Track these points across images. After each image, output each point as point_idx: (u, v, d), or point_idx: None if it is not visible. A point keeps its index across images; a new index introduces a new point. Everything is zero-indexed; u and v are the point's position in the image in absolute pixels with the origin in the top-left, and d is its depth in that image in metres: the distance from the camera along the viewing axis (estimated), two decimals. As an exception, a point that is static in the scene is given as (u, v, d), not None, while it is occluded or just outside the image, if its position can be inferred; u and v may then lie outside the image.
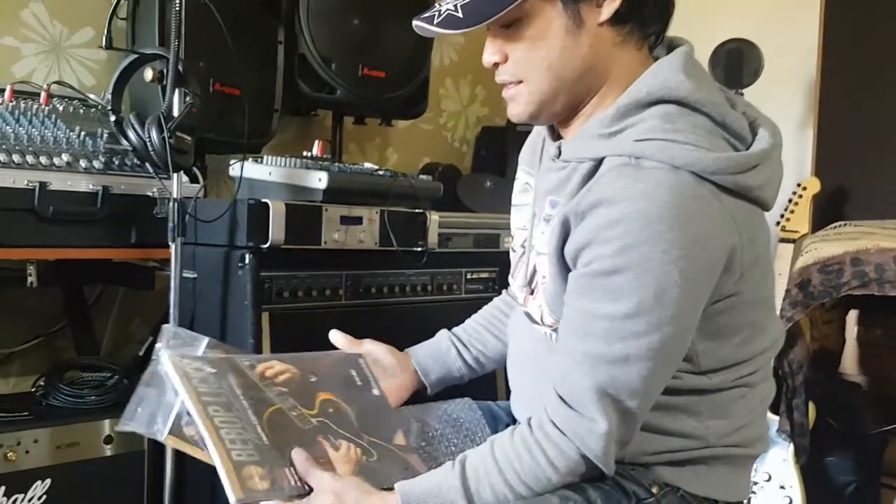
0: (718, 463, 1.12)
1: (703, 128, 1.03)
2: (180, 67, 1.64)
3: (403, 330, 1.43)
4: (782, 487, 2.15)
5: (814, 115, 2.73)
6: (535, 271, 1.17)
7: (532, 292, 1.18)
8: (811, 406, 2.17)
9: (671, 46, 1.13)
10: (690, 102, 1.04)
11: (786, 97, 2.80)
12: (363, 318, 1.93)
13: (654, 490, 1.08)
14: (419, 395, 1.37)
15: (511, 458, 1.02)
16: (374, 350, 1.34)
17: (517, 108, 1.12)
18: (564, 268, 1.05)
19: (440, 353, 1.38)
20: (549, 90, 1.09)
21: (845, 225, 2.27)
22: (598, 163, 1.04)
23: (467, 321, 1.45)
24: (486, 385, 1.39)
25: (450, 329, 1.44)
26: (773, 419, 2.17)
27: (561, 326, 1.06)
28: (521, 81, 1.09)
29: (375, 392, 1.26)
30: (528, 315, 1.20)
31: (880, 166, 2.57)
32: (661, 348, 0.97)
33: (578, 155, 1.07)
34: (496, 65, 1.10)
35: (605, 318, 0.98)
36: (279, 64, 2.33)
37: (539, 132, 1.28)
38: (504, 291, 1.47)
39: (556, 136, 1.20)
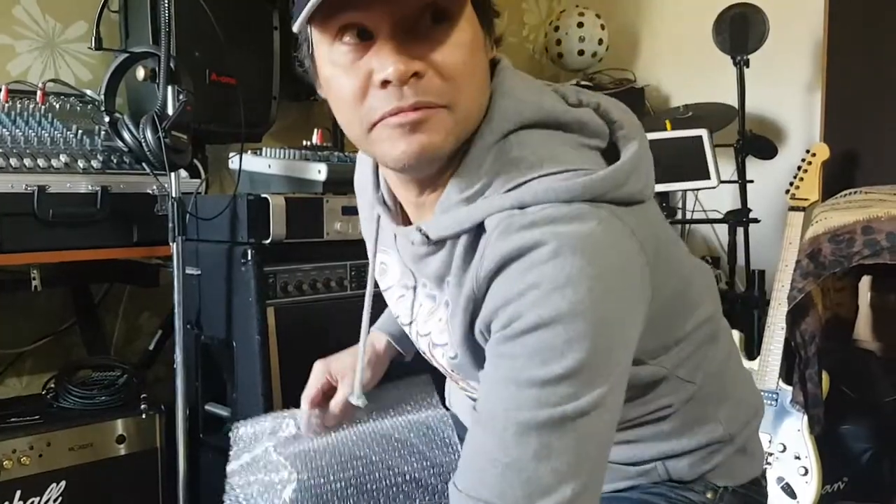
0: (743, 444, 1.11)
1: (567, 144, 0.88)
2: (172, 65, 1.62)
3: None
4: (797, 458, 2.14)
5: (822, 80, 2.68)
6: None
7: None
8: (825, 376, 2.15)
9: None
10: (542, 121, 0.87)
11: (792, 62, 2.75)
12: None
13: (710, 496, 1.05)
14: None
15: None
16: (348, 373, 1.17)
17: (436, 136, 0.81)
18: (479, 349, 0.88)
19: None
20: (471, 121, 0.84)
21: (855, 193, 2.23)
22: (478, 227, 0.85)
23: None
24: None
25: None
26: (787, 389, 2.16)
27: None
28: (446, 106, 0.81)
29: None
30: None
31: (890, 130, 2.53)
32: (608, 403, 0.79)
33: (451, 231, 0.87)
34: (414, 75, 0.78)
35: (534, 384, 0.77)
36: (276, 50, 2.30)
37: (369, 201, 1.03)
38: None
39: (397, 214, 0.99)
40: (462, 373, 0.95)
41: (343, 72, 0.80)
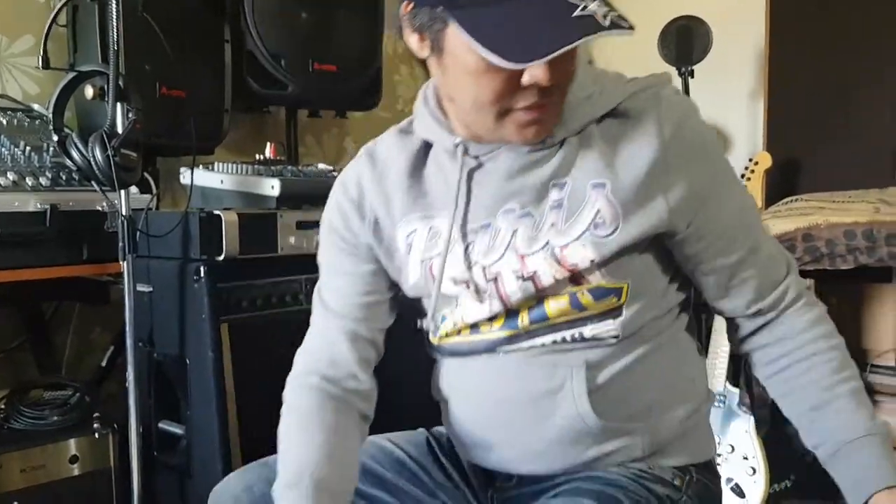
0: (707, 415, 1.15)
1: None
2: (121, 83, 1.61)
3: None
4: (745, 458, 2.19)
5: (764, 90, 2.75)
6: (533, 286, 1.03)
7: (533, 329, 1.05)
8: (770, 378, 2.21)
9: None
10: None
11: (736, 73, 2.82)
12: (324, 322, 1.92)
13: (678, 483, 1.06)
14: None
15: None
16: None
17: (554, 121, 1.00)
18: (652, 204, 1.01)
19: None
20: None
21: (796, 200, 2.30)
22: (610, 113, 1.02)
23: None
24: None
25: None
26: (734, 392, 2.22)
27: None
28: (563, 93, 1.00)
29: None
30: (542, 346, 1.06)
31: (830, 139, 2.61)
32: None
33: (588, 119, 1.02)
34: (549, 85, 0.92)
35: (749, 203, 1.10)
36: (227, 63, 2.30)
37: (430, 159, 1.11)
38: (301, 390, 1.15)
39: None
40: (607, 249, 1.00)
41: (496, 71, 0.90)
